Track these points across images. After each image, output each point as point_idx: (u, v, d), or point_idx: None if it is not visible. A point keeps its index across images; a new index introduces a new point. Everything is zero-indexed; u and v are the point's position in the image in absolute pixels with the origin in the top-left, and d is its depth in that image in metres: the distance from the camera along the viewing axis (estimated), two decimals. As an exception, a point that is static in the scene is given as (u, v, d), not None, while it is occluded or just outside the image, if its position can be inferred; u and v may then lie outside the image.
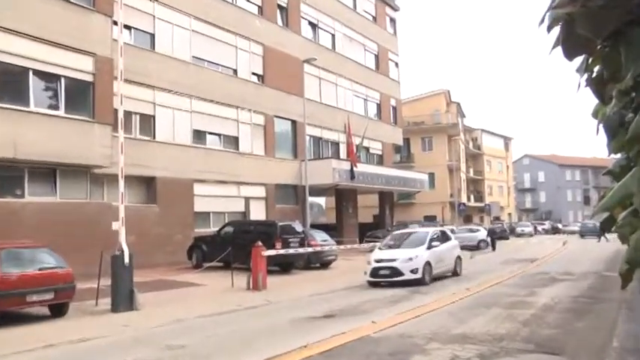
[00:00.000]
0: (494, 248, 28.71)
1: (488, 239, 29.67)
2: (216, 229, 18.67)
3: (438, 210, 43.08)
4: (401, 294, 11.33)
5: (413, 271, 12.67)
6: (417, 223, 29.23)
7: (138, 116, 18.58)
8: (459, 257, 15.06)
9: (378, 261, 12.88)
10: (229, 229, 17.86)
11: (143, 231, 17.51)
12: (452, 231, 29.77)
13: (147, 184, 18.79)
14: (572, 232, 50.12)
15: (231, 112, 22.41)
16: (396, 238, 14.35)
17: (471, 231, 33.12)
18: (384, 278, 12.64)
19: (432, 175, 41.08)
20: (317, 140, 28.17)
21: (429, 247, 13.49)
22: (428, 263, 13.08)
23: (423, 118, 47.17)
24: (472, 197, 55.45)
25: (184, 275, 14.89)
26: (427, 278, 12.90)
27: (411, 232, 15.05)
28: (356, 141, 28.43)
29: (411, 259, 12.83)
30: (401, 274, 12.59)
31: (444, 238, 14.67)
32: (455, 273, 14.71)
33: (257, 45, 23.91)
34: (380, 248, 13.79)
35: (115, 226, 10.32)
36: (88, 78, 14.97)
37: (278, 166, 24.50)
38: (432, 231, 14.56)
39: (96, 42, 14.98)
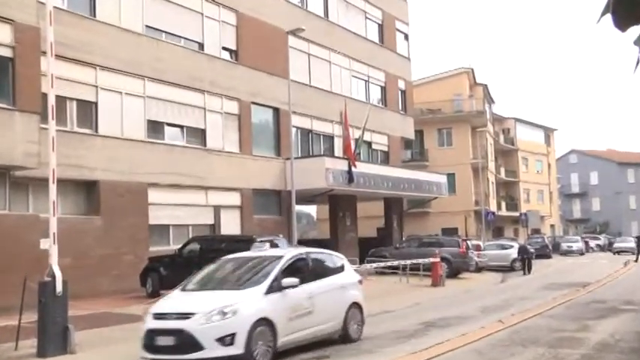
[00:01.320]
0: (528, 270, 28.93)
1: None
2: (178, 246, 18.76)
3: (459, 221, 43.45)
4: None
5: (223, 341, 7.98)
6: (434, 237, 29.19)
7: (75, 103, 18.59)
8: (354, 307, 10.34)
9: (158, 316, 8.45)
10: (194, 246, 17.99)
11: (82, 250, 17.55)
12: (478, 247, 30.43)
13: (87, 191, 18.83)
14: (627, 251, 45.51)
15: (196, 97, 22.56)
16: (218, 269, 10.00)
17: (503, 247, 33.38)
18: (167, 354, 8.13)
19: (451, 177, 41.38)
20: (306, 133, 28.31)
21: (276, 289, 8.81)
22: (265, 322, 8.37)
23: (441, 105, 47.53)
24: (504, 204, 55.96)
25: (135, 307, 14.87)
26: (259, 355, 8.21)
27: (253, 256, 10.50)
28: (355, 134, 28.58)
29: (223, 313, 8.13)
30: (197, 346, 7.94)
31: (320, 268, 10.18)
32: (345, 336, 10.09)
33: (229, 12, 24.02)
34: (183, 289, 9.43)
35: (44, 244, 10.36)
36: (6, 53, 14.75)
37: (256, 167, 24.64)
38: (290, 254, 9.83)
39: (15, 4, 14.78)
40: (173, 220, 21.19)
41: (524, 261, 29.35)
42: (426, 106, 46.62)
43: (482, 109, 48.66)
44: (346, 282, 10.45)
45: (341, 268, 10.70)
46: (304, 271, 9.67)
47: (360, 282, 10.92)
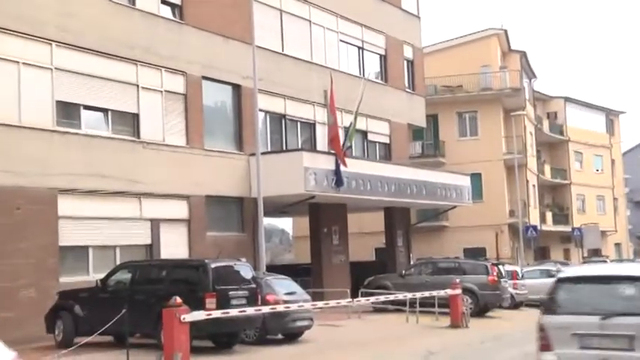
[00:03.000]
0: None
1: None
2: (101, 276, 18.54)
3: (488, 238, 43.54)
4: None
5: None
6: (453, 260, 29.14)
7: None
8: None
9: None
10: (124, 276, 17.92)
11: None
12: (514, 275, 30.58)
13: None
14: None
15: (126, 70, 22.43)
16: None
17: (548, 275, 33.04)
18: None
19: (477, 179, 41.21)
20: (277, 119, 28.29)
21: None
22: None
23: (462, 80, 47.45)
24: (549, 216, 56.29)
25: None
26: None
27: None
28: (344, 121, 28.47)
29: None
30: None
31: None
32: None
33: (170, -49, 24.14)
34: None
35: None
36: None
37: (210, 165, 24.59)
38: None
39: None
40: (93, 240, 21.04)
41: None
42: (442, 81, 46.61)
43: (520, 86, 48.82)
44: None
45: None
46: None
47: None
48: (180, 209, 23.66)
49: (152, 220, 22.77)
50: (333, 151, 26.22)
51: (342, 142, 26.17)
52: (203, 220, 24.17)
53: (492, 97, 47.32)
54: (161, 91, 23.46)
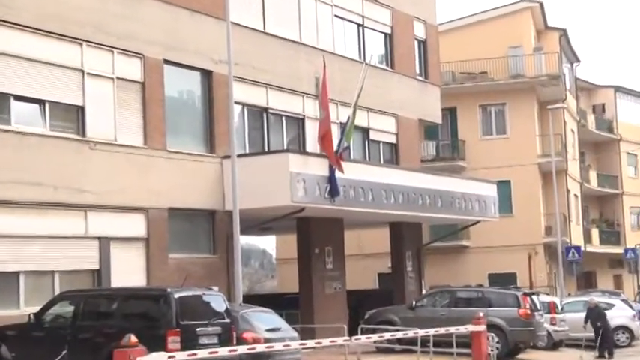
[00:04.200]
0: (608, 354, 29.29)
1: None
2: (35, 309, 18.47)
3: (519, 261, 43.41)
4: None
5: None
6: (476, 289, 29.06)
7: None
8: None
9: None
10: (64, 308, 17.88)
11: None
12: (552, 307, 30.51)
13: None
14: None
15: (68, 51, 22.30)
16: None
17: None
18: None
19: (505, 187, 41.17)
20: (258, 114, 28.30)
21: None
22: None
23: (487, 65, 47.38)
24: (596, 234, 56.20)
25: None
26: None
27: None
28: (340, 115, 28.79)
29: None
30: None
31: None
32: None
33: None
34: None
35: None
36: None
37: (173, 171, 24.53)
38: None
39: None
40: (25, 264, 20.82)
41: (598, 334, 29.41)
42: (462, 67, 46.62)
43: (558, 72, 48.77)
44: None
45: None
46: None
47: None
48: (136, 225, 23.55)
49: (101, 239, 22.58)
50: (324, 153, 26.08)
51: (337, 143, 26.06)
52: (165, 238, 24.01)
53: (524, 87, 47.14)
54: (112, 78, 23.34)
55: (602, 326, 29.35)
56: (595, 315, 29.72)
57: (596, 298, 32.46)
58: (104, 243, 22.67)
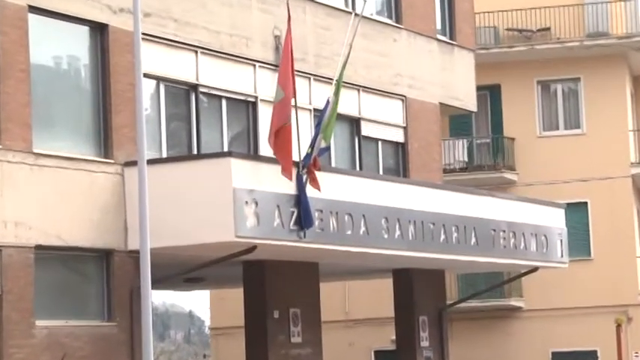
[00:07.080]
0: None
1: None
2: None
3: (602, 332, 36.59)
4: None
5: None
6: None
7: None
8: None
9: None
10: None
11: None
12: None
13: None
14: None
15: None
16: None
17: None
18: None
19: (580, 212, 36.50)
20: (182, 95, 24.47)
21: None
22: None
23: (548, 19, 40.47)
24: None
25: None
26: None
27: None
28: (313, 96, 25.06)
29: None
30: None
31: None
32: None
33: None
34: None
35: None
36: None
37: (44, 185, 20.77)
38: None
39: None
40: None
41: None
42: (511, 21, 40.13)
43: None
44: None
45: None
46: None
47: None
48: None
49: None
50: (275, 156, 21.45)
51: (311, 142, 21.53)
52: (28, 295, 20.06)
53: (610, 52, 39.99)
54: None
55: None
56: None
57: None
58: None
